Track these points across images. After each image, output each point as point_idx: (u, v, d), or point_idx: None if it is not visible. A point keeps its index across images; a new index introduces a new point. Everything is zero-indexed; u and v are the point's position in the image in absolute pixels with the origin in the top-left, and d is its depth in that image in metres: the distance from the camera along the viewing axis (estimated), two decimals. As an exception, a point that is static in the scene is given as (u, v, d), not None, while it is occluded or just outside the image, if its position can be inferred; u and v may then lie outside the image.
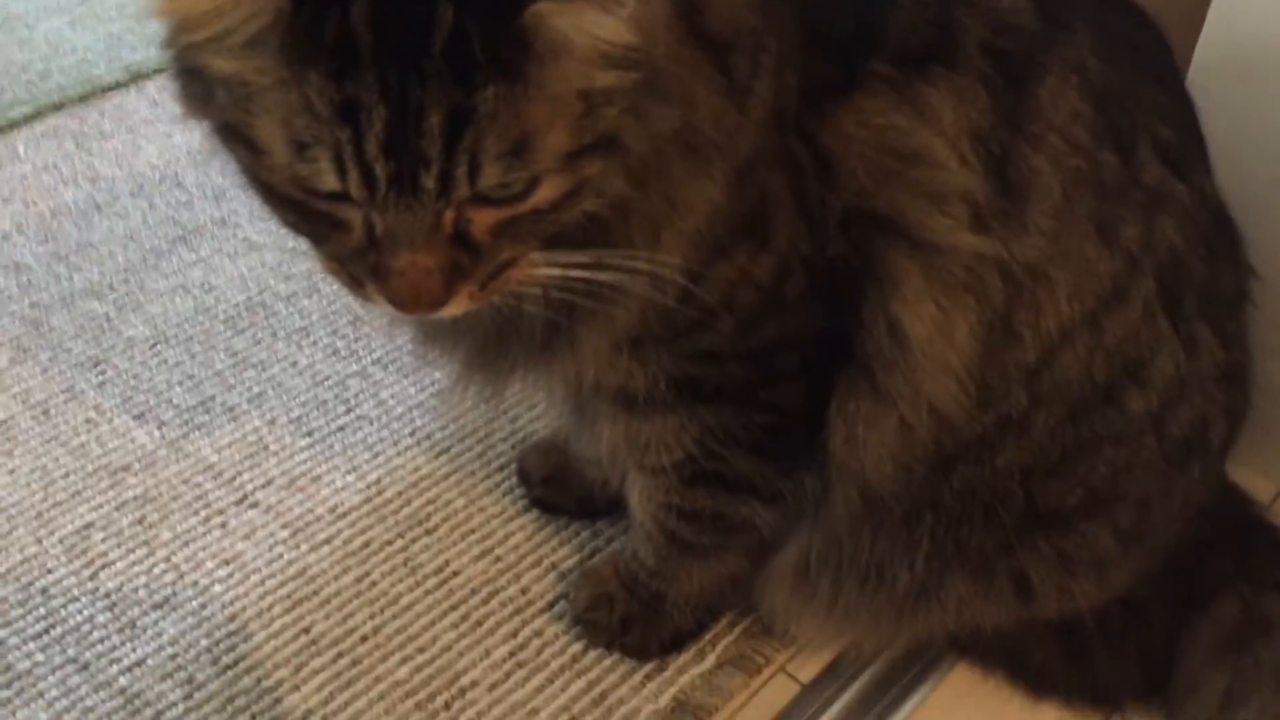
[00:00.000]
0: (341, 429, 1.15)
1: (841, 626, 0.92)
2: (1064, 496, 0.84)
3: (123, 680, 0.95)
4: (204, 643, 0.98)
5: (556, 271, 0.68)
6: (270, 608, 1.00)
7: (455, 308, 0.65)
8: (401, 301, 0.64)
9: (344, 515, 1.08)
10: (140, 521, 1.06)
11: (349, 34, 0.57)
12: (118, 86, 1.54)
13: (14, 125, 1.47)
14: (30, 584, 1.01)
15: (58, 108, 1.50)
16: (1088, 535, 0.86)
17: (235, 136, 0.63)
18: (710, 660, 0.99)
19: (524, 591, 1.03)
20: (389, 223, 0.61)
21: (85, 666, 0.96)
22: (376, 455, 1.13)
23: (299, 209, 0.64)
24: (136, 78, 1.56)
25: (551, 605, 1.02)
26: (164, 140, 1.46)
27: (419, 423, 1.16)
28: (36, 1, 1.68)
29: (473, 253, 0.64)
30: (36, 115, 1.48)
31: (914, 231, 0.77)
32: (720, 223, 0.74)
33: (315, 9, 0.57)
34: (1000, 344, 0.80)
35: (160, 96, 1.51)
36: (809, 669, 1.00)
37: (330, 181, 0.60)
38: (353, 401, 1.18)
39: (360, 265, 0.65)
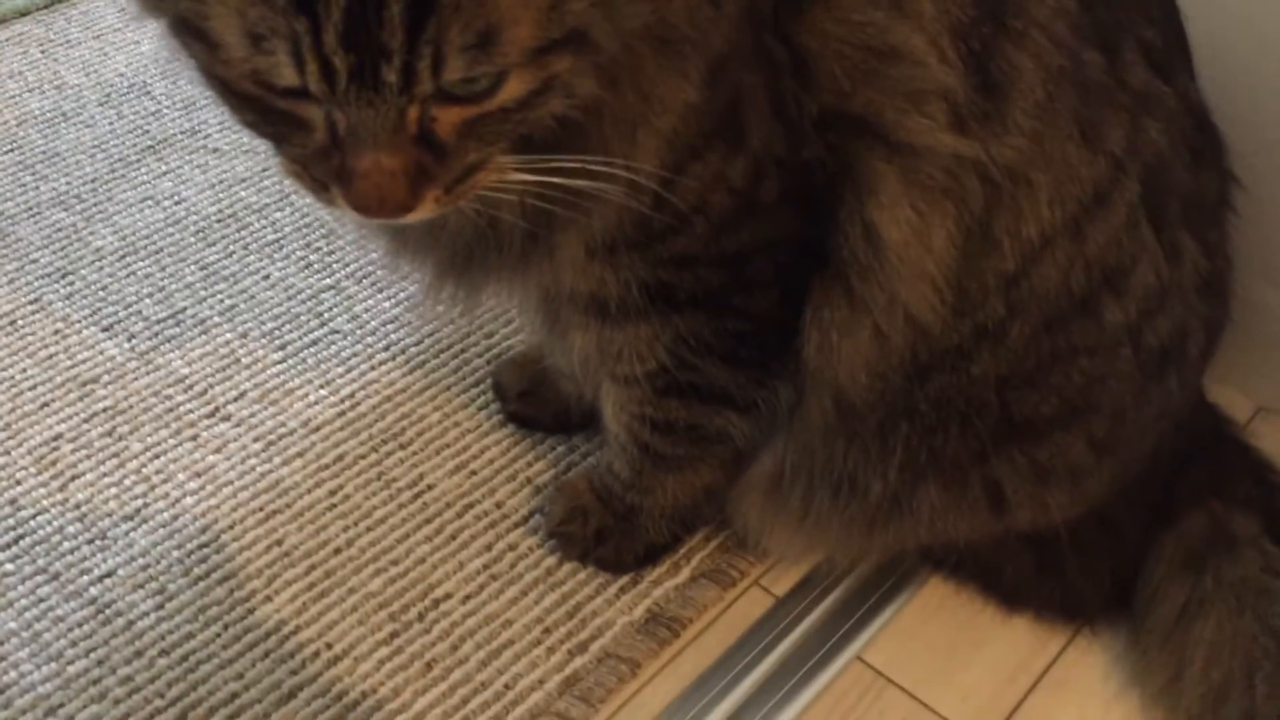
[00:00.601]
0: (315, 343, 1.14)
1: (813, 538, 0.91)
2: (1038, 406, 0.84)
3: (93, 590, 0.95)
4: (175, 554, 0.97)
5: (528, 176, 0.66)
6: (242, 520, 1.00)
7: (421, 212, 0.63)
8: (365, 205, 0.62)
9: (317, 429, 1.07)
10: (110, 434, 1.05)
11: None
12: (84, -7, 1.50)
13: (-22, 32, 1.44)
14: (-1, 495, 1.00)
15: (23, 14, 1.46)
16: (1062, 445, 0.85)
17: (190, 30, 0.60)
18: (685, 573, 1.00)
19: (499, 505, 1.03)
20: (351, 120, 0.59)
21: (55, 576, 0.95)
22: (350, 369, 1.12)
23: (258, 107, 0.62)
24: (104, -16, 1.52)
25: (526, 519, 1.02)
26: (132, 48, 1.42)
27: (393, 337, 1.15)
28: (-1, -95, 1.63)
29: (439, 154, 0.61)
30: (2, 21, 1.45)
31: (891, 133, 0.75)
32: (694, 122, 0.72)
33: None
34: (979, 251, 0.79)
35: (129, 4, 1.47)
36: (783, 583, 1.00)
37: (288, 76, 0.58)
38: (326, 315, 1.16)
39: (323, 168, 0.62)
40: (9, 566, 0.96)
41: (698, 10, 0.68)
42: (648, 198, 0.73)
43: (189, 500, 1.01)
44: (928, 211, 0.77)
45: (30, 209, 1.23)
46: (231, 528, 1.00)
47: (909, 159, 0.76)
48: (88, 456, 1.03)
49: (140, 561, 0.97)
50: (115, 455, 1.03)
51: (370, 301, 1.18)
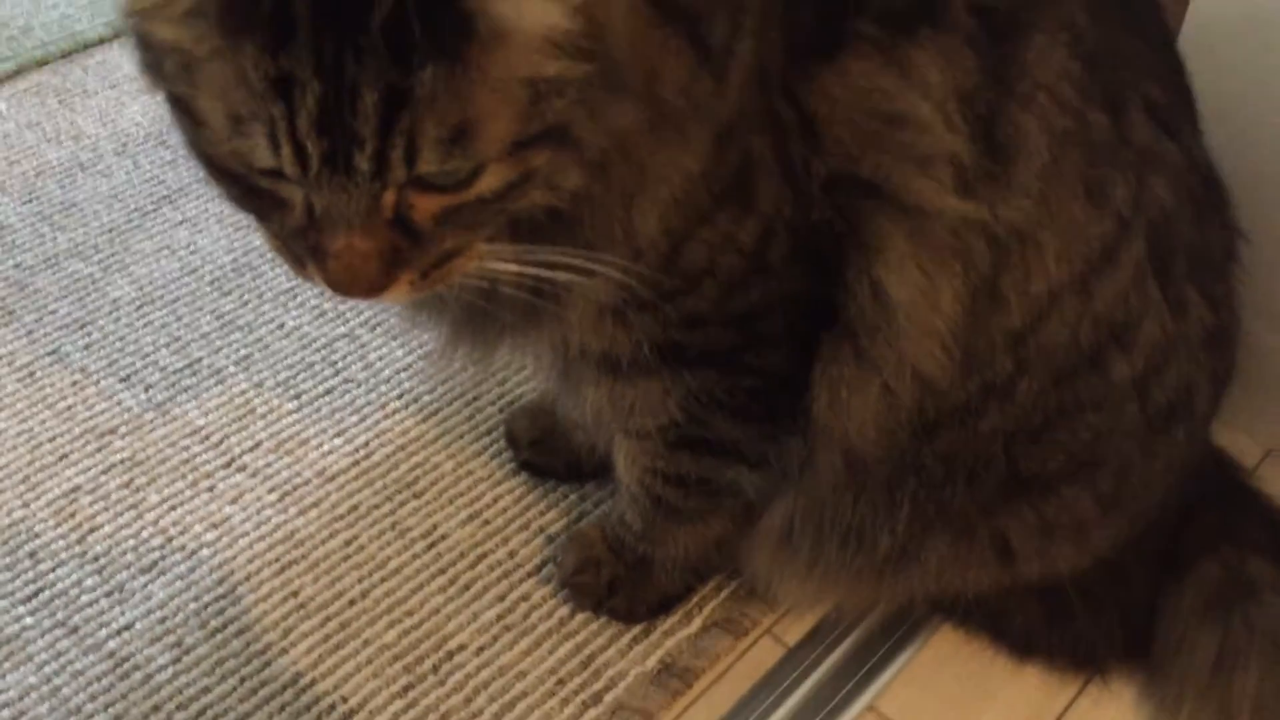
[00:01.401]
0: (329, 392, 1.15)
1: (822, 587, 0.92)
2: (1045, 461, 0.84)
3: (112, 644, 0.95)
4: (192, 606, 0.98)
5: (510, 266, 0.67)
6: (258, 571, 1.01)
7: (395, 295, 0.65)
8: (338, 284, 0.64)
9: (332, 479, 1.08)
10: (128, 485, 1.06)
11: (286, 5, 0.56)
12: (101, 42, 1.52)
13: (-4, 82, 1.46)
14: (18, 548, 1.01)
15: (40, 64, 1.48)
16: (1068, 499, 0.86)
17: (181, 108, 0.62)
18: (697, 623, 1.00)
19: (512, 555, 1.04)
20: (325, 202, 0.61)
21: (74, 630, 0.96)
22: (364, 418, 1.13)
23: (241, 185, 0.64)
24: (119, 33, 1.54)
25: (539, 569, 1.03)
26: (148, 98, 1.43)
27: (407, 386, 1.16)
28: (17, -45, 1.66)
29: (414, 239, 0.63)
30: (19, 72, 1.47)
31: (899, 195, 0.77)
32: (702, 187, 0.73)
33: None
34: (986, 309, 0.80)
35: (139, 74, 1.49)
36: (795, 632, 1.01)
37: (265, 157, 0.60)
38: (340, 364, 1.18)
39: (301, 245, 0.64)
40: (29, 620, 0.97)
41: (695, 85, 0.69)
42: (654, 259, 0.74)
43: (205, 552, 1.02)
44: (935, 271, 0.78)
45: (48, 260, 1.24)
46: (248, 579, 1.01)
47: (916, 220, 0.77)
48: (105, 509, 1.04)
49: (158, 614, 0.98)
50: (133, 507, 1.05)
51: (384, 350, 1.19)
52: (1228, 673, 0.92)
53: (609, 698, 0.95)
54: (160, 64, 0.62)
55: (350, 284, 0.63)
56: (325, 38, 0.56)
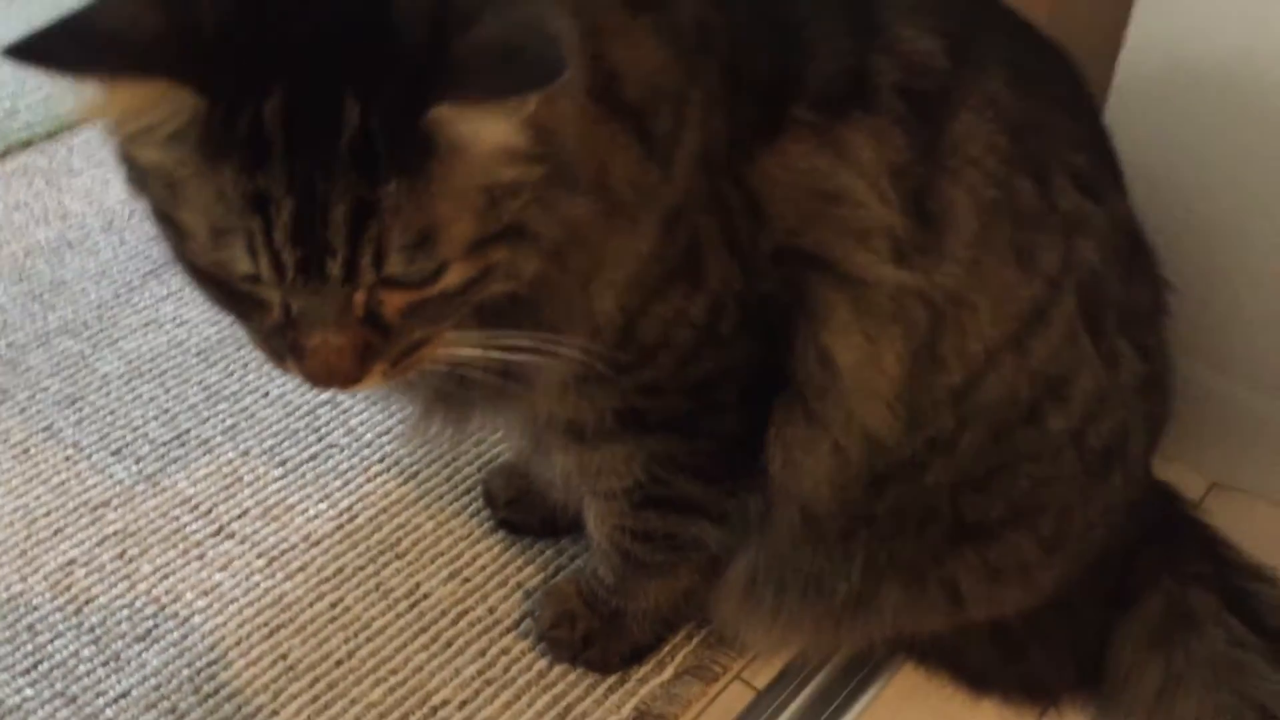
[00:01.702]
0: (313, 458, 1.20)
1: (785, 634, 0.97)
2: (988, 510, 0.89)
3: (109, 712, 0.99)
4: (185, 672, 1.02)
5: (475, 352, 0.72)
6: (248, 636, 1.05)
7: (368, 384, 0.70)
8: (316, 377, 0.69)
9: (317, 543, 1.13)
10: (121, 556, 1.10)
11: (261, 129, 0.61)
12: (85, 122, 1.57)
13: (-16, 164, 1.51)
14: (17, 621, 1.05)
15: (26, 145, 1.53)
16: (1011, 544, 0.91)
17: (164, 220, 0.67)
18: (669, 671, 1.05)
19: (491, 611, 1.08)
20: (301, 304, 0.66)
21: (73, 700, 1.00)
22: (347, 483, 1.18)
23: (223, 289, 0.68)
24: (103, 112, 1.59)
25: (518, 624, 1.07)
26: (132, 175, 1.49)
27: (388, 449, 1.21)
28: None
29: (384, 333, 0.68)
30: (6, 153, 1.52)
31: (840, 266, 0.82)
32: (653, 268, 0.78)
33: (230, 106, 0.61)
34: (927, 369, 0.85)
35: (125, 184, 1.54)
36: (763, 676, 1.05)
37: (244, 266, 0.65)
38: (323, 430, 1.22)
39: (280, 342, 0.69)
40: (29, 691, 1.00)
41: (644, 176, 0.74)
42: (611, 336, 0.79)
43: (197, 619, 1.06)
44: (877, 336, 0.83)
45: (39, 338, 1.29)
46: (238, 644, 1.05)
47: (858, 289, 0.82)
48: (100, 580, 1.08)
49: (152, 681, 1.02)
50: (127, 577, 1.09)
51: (365, 415, 1.24)
52: (1169, 700, 0.97)
53: (587, 747, 0.99)
54: (144, 180, 0.67)
55: (327, 377, 0.68)
56: (297, 157, 0.61)
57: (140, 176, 0.67)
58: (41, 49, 0.61)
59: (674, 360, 0.83)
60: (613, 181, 0.73)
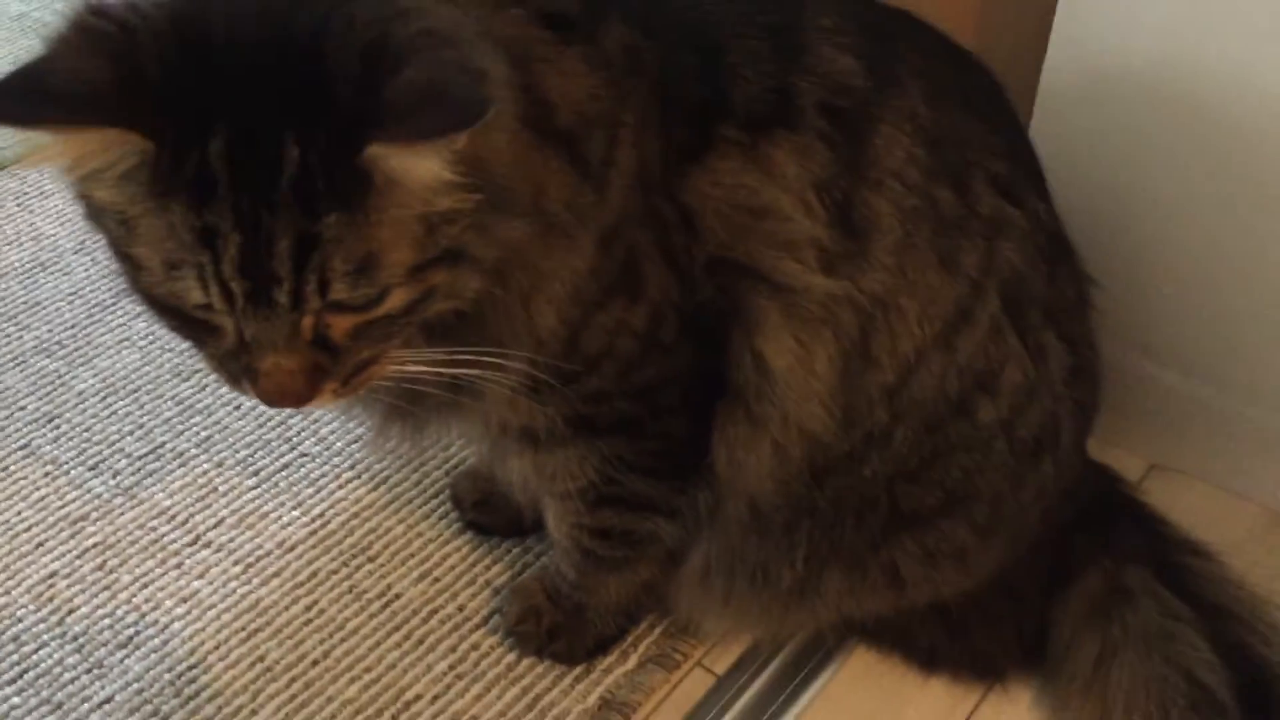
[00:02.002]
0: (285, 467, 1.24)
1: (737, 620, 1.02)
2: (923, 498, 0.94)
3: (94, 717, 1.03)
4: (167, 677, 1.06)
5: (423, 366, 0.76)
6: (227, 640, 1.09)
7: (320, 403, 0.74)
8: (269, 398, 0.73)
9: (292, 548, 1.17)
10: (101, 567, 1.14)
11: (207, 169, 0.65)
12: (41, 163, 1.60)
13: (-43, 189, 1.54)
14: (2, 632, 1.09)
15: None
16: (946, 531, 0.96)
17: (120, 254, 0.71)
18: (633, 660, 1.09)
19: (461, 609, 1.13)
20: (253, 330, 0.70)
21: (59, 706, 1.04)
22: (319, 490, 1.22)
23: (178, 317, 0.73)
24: (72, 133, 1.62)
25: (487, 620, 1.12)
26: (102, 195, 1.52)
27: (358, 457, 1.25)
28: (-30, 63, 1.74)
29: (333, 354, 0.72)
30: (-22, 178, 1.55)
31: (771, 276, 0.86)
32: (593, 281, 0.83)
33: (177, 149, 0.65)
34: (860, 369, 0.89)
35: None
36: (723, 662, 1.10)
37: (196, 296, 0.69)
38: (295, 440, 1.26)
39: (234, 365, 0.73)
40: (15, 700, 1.04)
41: (579, 198, 0.78)
42: (555, 350, 0.83)
43: (177, 625, 1.10)
44: (808, 340, 0.87)
45: (15, 358, 1.32)
46: (217, 648, 1.09)
47: (788, 296, 0.87)
48: (82, 590, 1.12)
49: (135, 686, 1.05)
50: (107, 588, 1.13)
51: (335, 424, 1.28)
52: (1105, 669, 1.02)
53: (553, 735, 1.04)
54: (100, 216, 0.71)
55: (280, 397, 0.72)
56: (242, 194, 0.66)
57: (96, 213, 0.71)
58: None
59: (618, 368, 0.88)
60: (549, 204, 0.77)
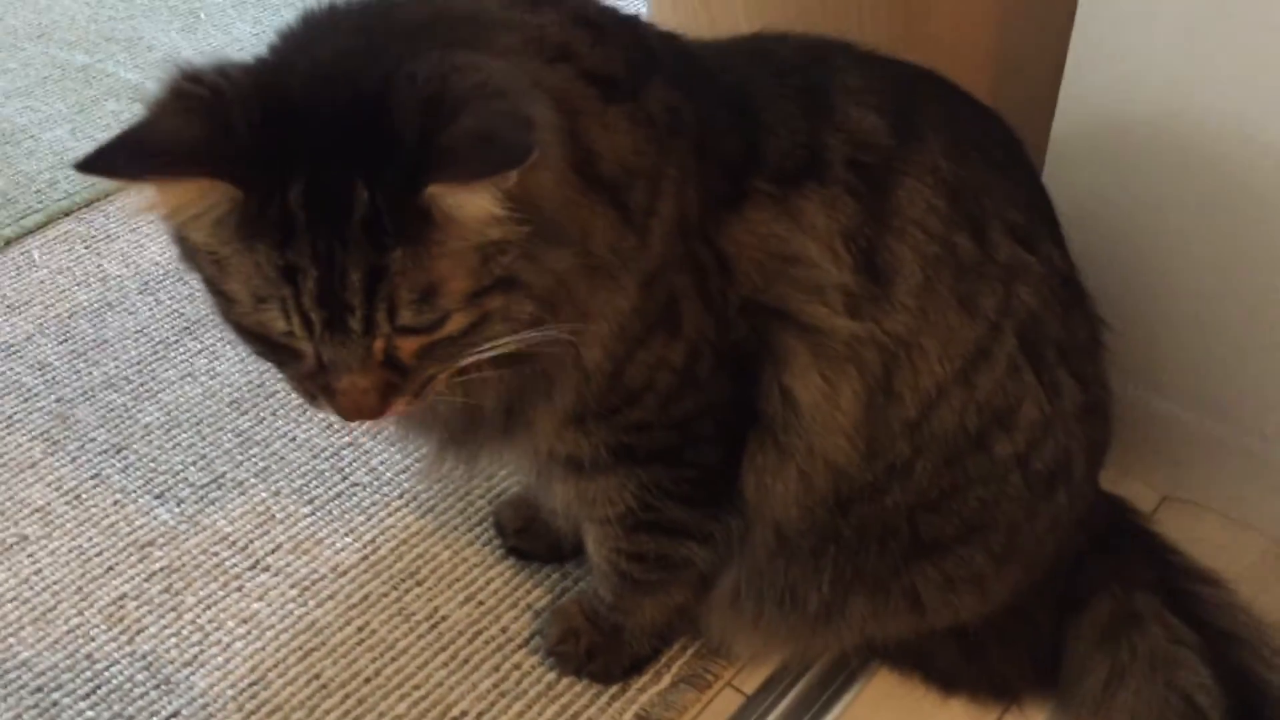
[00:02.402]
0: (339, 495, 1.31)
1: (766, 642, 1.07)
2: (942, 528, 0.99)
3: (162, 729, 1.10)
4: (229, 693, 1.13)
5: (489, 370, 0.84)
6: (285, 659, 1.16)
7: (394, 414, 0.81)
8: (345, 414, 0.81)
9: (345, 573, 1.23)
10: (167, 590, 1.21)
11: (288, 213, 0.73)
12: (120, 190, 1.68)
13: (28, 233, 1.62)
14: (76, 651, 1.16)
15: (67, 213, 1.65)
16: (964, 558, 1.01)
17: (213, 288, 0.80)
18: (666, 680, 1.15)
19: (504, 630, 1.19)
20: (330, 354, 0.78)
21: None
22: (370, 517, 1.28)
23: (265, 343, 0.81)
24: (135, 180, 1.71)
25: (528, 641, 1.18)
26: (166, 239, 1.60)
27: (407, 485, 1.31)
28: (39, 114, 1.83)
29: (402, 372, 0.80)
30: (48, 222, 1.64)
31: (799, 317, 0.93)
32: (636, 321, 0.89)
33: (261, 196, 0.74)
34: (883, 404, 0.95)
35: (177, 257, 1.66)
36: (752, 682, 1.15)
37: (280, 326, 0.77)
38: (347, 470, 1.33)
39: (314, 385, 0.81)
40: (89, 714, 1.11)
41: (622, 242, 0.85)
42: (600, 380, 0.90)
43: (239, 645, 1.17)
44: (834, 377, 0.93)
45: (85, 393, 1.40)
46: (276, 666, 1.15)
47: (815, 336, 0.93)
48: (150, 612, 1.19)
49: (200, 701, 1.12)
50: (173, 609, 1.19)
51: (385, 455, 1.34)
52: (1112, 691, 1.06)
53: (592, 750, 1.09)
54: (195, 257, 0.79)
55: (356, 412, 0.80)
56: (318, 234, 0.74)
57: (191, 254, 0.79)
58: (105, 163, 0.74)
59: (658, 401, 0.94)
60: (594, 246, 0.84)
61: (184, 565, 1.23)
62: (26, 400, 1.39)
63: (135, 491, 1.30)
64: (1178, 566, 1.16)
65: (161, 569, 1.23)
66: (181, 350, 1.46)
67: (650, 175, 0.87)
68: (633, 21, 0.95)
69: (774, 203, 0.91)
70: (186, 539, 1.26)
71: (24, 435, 1.35)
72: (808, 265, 0.91)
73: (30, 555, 1.23)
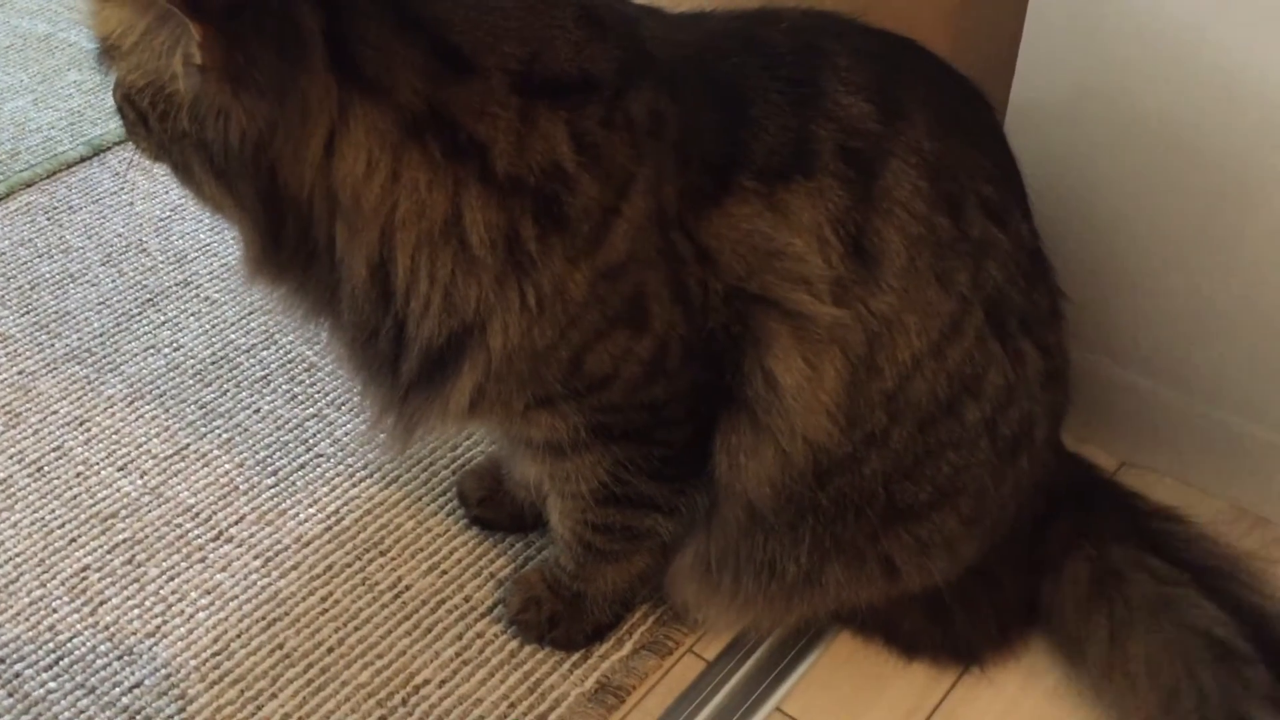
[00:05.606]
0: (302, 466, 1.29)
1: (743, 611, 1.06)
2: (917, 494, 0.99)
3: (125, 700, 1.08)
4: (193, 663, 1.11)
5: None
6: (248, 629, 1.14)
7: None
8: None
9: (308, 543, 1.22)
10: (130, 561, 1.19)
11: None
12: (82, 161, 1.65)
13: (-11, 204, 1.59)
14: (39, 622, 1.14)
15: (28, 185, 1.61)
16: (937, 522, 1.00)
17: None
18: (628, 646, 1.13)
19: (467, 599, 1.17)
20: None
21: (92, 690, 1.09)
22: (334, 488, 1.27)
23: None
24: (98, 151, 1.67)
25: (491, 609, 1.16)
26: (128, 210, 1.58)
27: (370, 456, 1.30)
28: (0, 84, 1.79)
29: None
30: (9, 194, 1.59)
31: (783, 304, 0.91)
32: (591, 313, 0.88)
33: None
34: (864, 379, 0.94)
35: (122, 168, 1.63)
36: (713, 648, 1.14)
37: None
38: (311, 441, 1.31)
39: None
40: (52, 684, 1.09)
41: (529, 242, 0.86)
42: (559, 367, 0.90)
43: (202, 615, 1.15)
44: (817, 360, 0.92)
45: (48, 365, 1.37)
46: (239, 636, 1.13)
47: (799, 321, 0.91)
48: (112, 583, 1.17)
49: (163, 672, 1.10)
50: (136, 580, 1.17)
51: (349, 426, 1.32)
52: (1120, 645, 1.05)
53: (553, 716, 1.08)
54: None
55: None
56: None
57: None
58: None
59: (626, 387, 0.93)
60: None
61: (147, 537, 1.21)
62: (-13, 372, 1.36)
63: (98, 464, 1.28)
64: (1143, 510, 1.16)
65: (124, 540, 1.21)
66: (144, 322, 1.43)
67: (615, 176, 0.86)
68: (636, 19, 0.93)
69: (759, 198, 0.89)
70: (149, 510, 1.24)
71: (-15, 407, 1.33)
72: (794, 259, 0.90)
73: (-9, 528, 1.21)
